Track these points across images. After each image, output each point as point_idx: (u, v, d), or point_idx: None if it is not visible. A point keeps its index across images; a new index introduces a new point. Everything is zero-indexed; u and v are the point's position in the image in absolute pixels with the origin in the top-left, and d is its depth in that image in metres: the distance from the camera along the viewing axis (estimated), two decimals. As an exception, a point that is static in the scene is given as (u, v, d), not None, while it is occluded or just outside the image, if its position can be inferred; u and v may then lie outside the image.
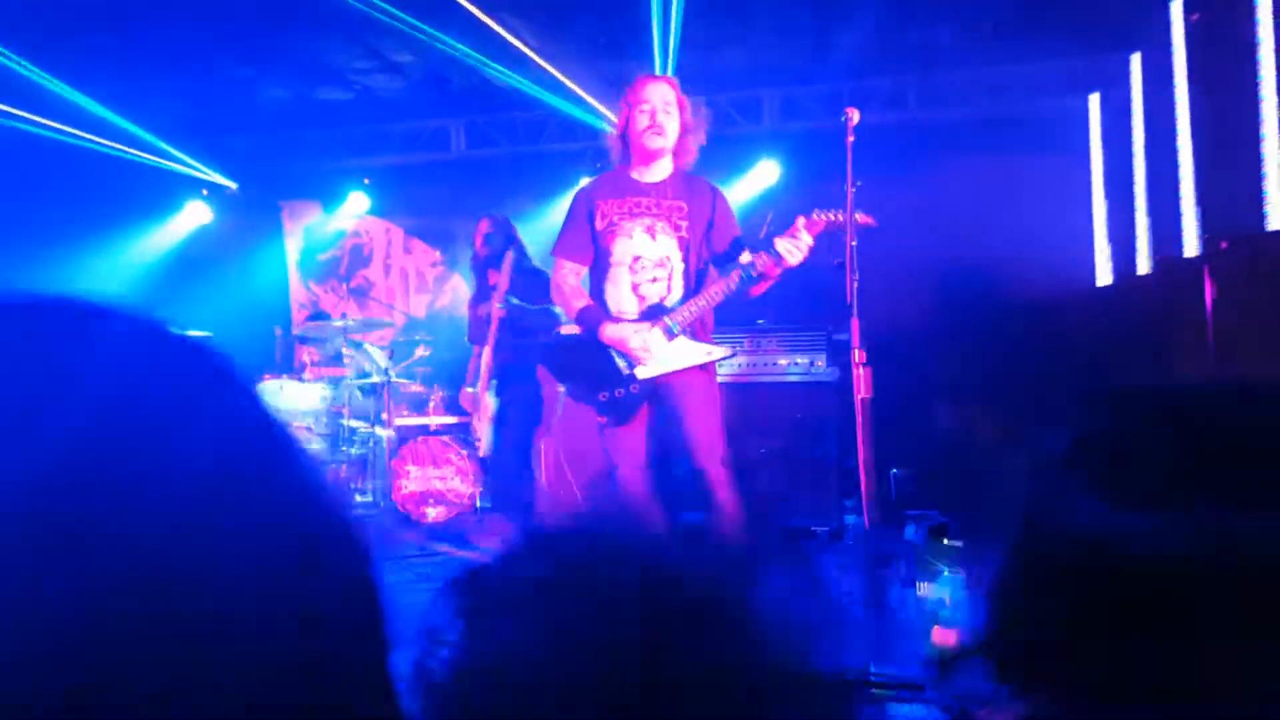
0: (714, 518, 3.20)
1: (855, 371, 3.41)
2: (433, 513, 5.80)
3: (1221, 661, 0.48)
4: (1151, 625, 0.50)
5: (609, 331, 3.32)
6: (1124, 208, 5.35)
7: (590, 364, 3.35)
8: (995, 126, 6.03)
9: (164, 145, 6.89)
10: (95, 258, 6.99)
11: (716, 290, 3.29)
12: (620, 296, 3.34)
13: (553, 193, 7.15)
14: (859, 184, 3.32)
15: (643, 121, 3.30)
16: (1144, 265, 5.15)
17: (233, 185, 7.39)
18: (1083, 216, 5.82)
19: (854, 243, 3.41)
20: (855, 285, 3.43)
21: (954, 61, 6.01)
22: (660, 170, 3.39)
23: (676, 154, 3.38)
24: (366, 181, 7.28)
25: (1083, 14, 5.29)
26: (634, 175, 3.40)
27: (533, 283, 4.74)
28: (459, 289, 7.54)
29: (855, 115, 3.34)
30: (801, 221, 3.28)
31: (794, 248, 3.22)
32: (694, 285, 3.36)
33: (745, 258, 3.28)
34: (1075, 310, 5.44)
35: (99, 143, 6.65)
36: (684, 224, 3.33)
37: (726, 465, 3.26)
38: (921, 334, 5.64)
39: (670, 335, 3.27)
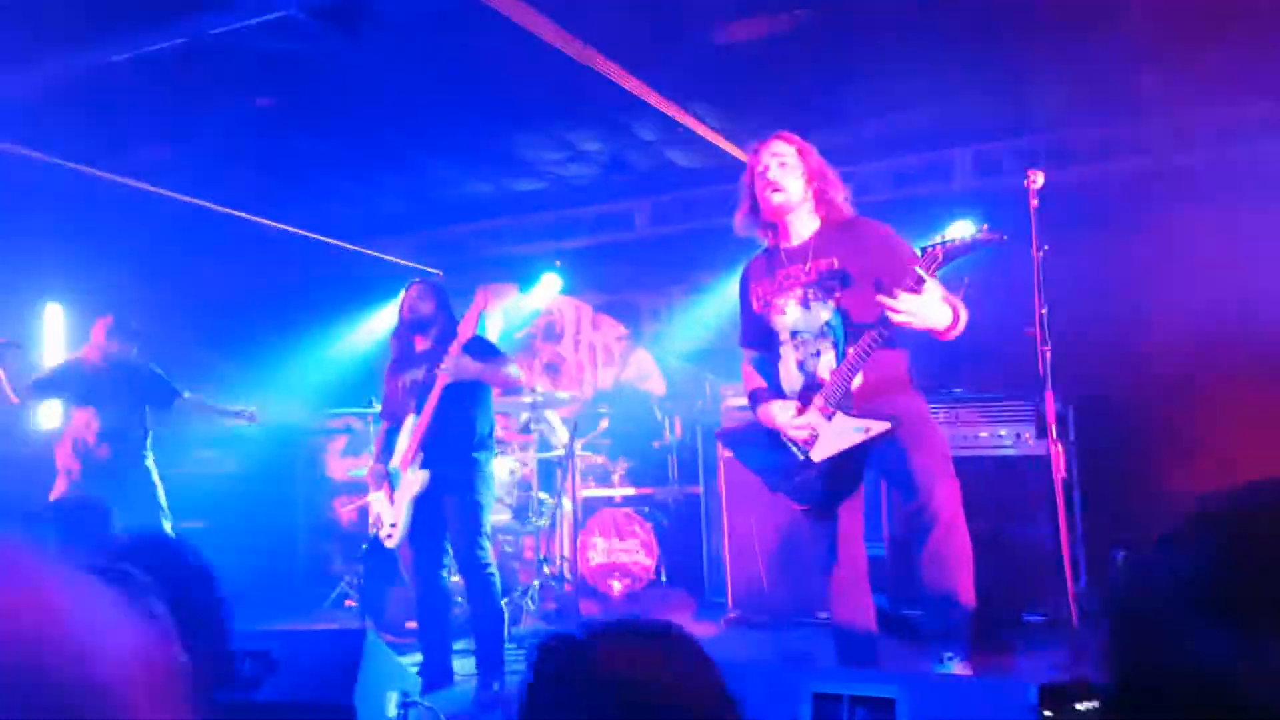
0: (937, 557, 2.93)
1: (1052, 449, 3.17)
2: (617, 585, 5.85)
3: None
4: None
5: (765, 416, 3.17)
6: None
7: (770, 451, 3.19)
8: (1216, 172, 5.49)
9: (381, 240, 7.55)
10: (326, 341, 7.70)
11: (852, 358, 2.96)
12: (789, 375, 3.19)
13: (732, 265, 7.20)
14: (1046, 248, 3.13)
15: (760, 185, 3.16)
16: None
17: (438, 273, 7.95)
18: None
19: (1044, 310, 3.21)
20: (1047, 355, 3.22)
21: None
22: (803, 230, 3.18)
23: (817, 207, 3.16)
24: (559, 264, 7.63)
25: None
26: (781, 244, 3.24)
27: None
28: (643, 362, 7.69)
29: (1039, 178, 3.17)
30: (917, 270, 2.79)
31: (904, 305, 2.76)
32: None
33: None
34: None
35: (327, 241, 7.39)
36: (836, 283, 3.05)
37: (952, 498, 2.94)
38: (1150, 402, 5.16)
39: (827, 413, 3.02)
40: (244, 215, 6.74)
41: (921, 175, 6.43)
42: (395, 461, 4.05)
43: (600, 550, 5.91)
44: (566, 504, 5.89)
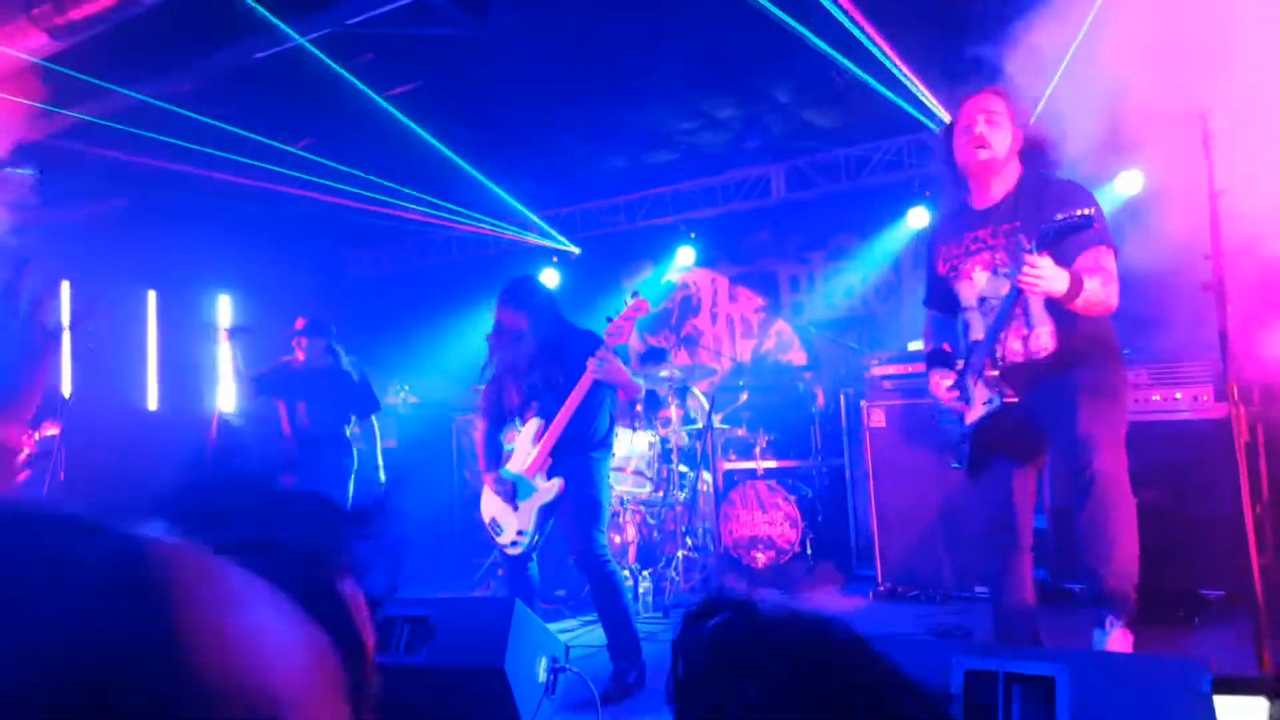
0: (1095, 521, 2.81)
1: (1233, 412, 2.89)
2: (761, 557, 5.80)
3: None
4: None
5: (930, 382, 3.20)
6: None
7: (945, 414, 3.22)
8: None
9: (531, 216, 7.72)
10: (470, 321, 7.96)
11: (991, 328, 2.96)
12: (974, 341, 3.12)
13: (877, 226, 6.96)
14: (1223, 191, 2.84)
15: (961, 140, 3.02)
16: None
17: (576, 250, 8.06)
18: None
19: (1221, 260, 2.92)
20: (1228, 310, 2.93)
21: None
22: (996, 191, 3.03)
23: (1018, 167, 3.02)
24: (692, 235, 7.58)
25: None
26: (971, 203, 3.11)
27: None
28: (783, 332, 7.56)
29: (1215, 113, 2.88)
30: (1020, 239, 2.75)
31: (1026, 274, 2.70)
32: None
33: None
34: None
35: (468, 224, 7.61)
36: (1029, 246, 2.85)
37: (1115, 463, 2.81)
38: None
39: (973, 381, 3.03)
40: (383, 209, 7.02)
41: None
42: (518, 466, 3.85)
43: (743, 522, 5.88)
44: (707, 476, 5.87)
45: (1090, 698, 1.91)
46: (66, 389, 6.52)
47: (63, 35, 4.03)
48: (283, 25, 4.18)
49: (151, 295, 7.53)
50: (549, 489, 3.76)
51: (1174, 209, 3.62)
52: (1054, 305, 2.87)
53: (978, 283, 3.05)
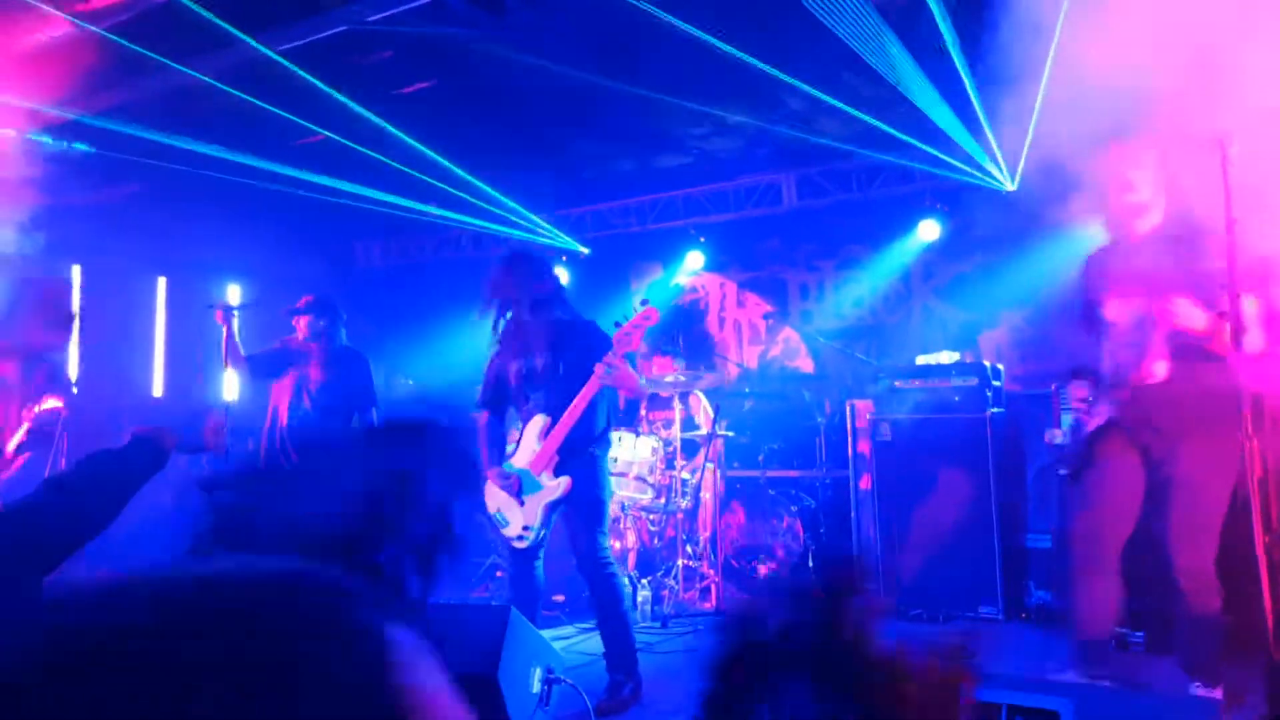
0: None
1: (1246, 445, 2.84)
2: (762, 567, 5.77)
3: None
4: None
5: (1069, 389, 3.48)
6: None
7: None
8: None
9: (534, 218, 7.69)
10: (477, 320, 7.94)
11: (1127, 351, 3.23)
12: (1114, 369, 3.30)
13: (888, 237, 6.92)
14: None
15: (1115, 185, 3.20)
16: None
17: (585, 250, 8.03)
18: None
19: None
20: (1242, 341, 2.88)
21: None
22: (1144, 228, 3.22)
23: (1163, 209, 3.20)
24: (701, 239, 7.55)
25: None
26: (1122, 242, 3.29)
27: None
28: (790, 339, 7.52)
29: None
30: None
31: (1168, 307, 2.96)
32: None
33: None
34: None
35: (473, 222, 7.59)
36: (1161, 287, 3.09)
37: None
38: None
39: (1104, 395, 3.27)
40: (394, 205, 7.00)
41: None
42: (523, 462, 3.80)
43: (745, 532, 5.84)
44: (709, 484, 5.84)
45: (1095, 737, 1.87)
46: (74, 371, 6.52)
47: (84, 23, 4.02)
48: (246, 34, 4.17)
49: (161, 281, 7.53)
50: (556, 487, 3.72)
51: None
52: (1181, 337, 3.02)
53: (1121, 317, 3.22)
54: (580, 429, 3.74)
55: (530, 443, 3.81)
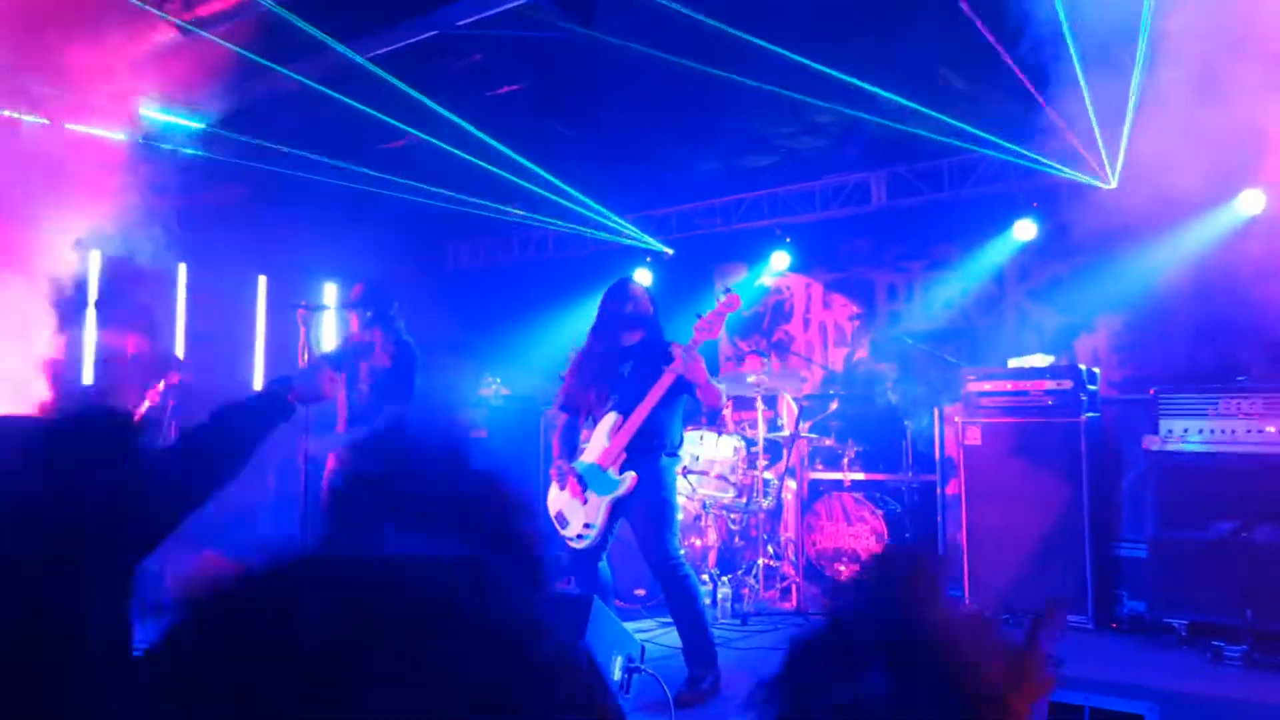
0: None
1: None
2: (844, 569, 5.70)
3: None
4: None
5: None
6: None
7: None
8: None
9: (618, 219, 7.77)
10: (563, 319, 8.06)
11: None
12: None
13: (981, 237, 6.75)
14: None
15: None
16: None
17: (669, 251, 8.07)
18: None
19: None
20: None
21: None
22: None
23: None
24: (787, 240, 7.50)
25: None
26: None
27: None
28: (877, 341, 7.40)
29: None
30: None
31: None
32: None
33: None
34: None
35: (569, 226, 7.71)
36: None
37: None
38: None
39: None
40: (481, 206, 7.16)
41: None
42: (592, 458, 3.84)
43: (827, 534, 5.79)
44: (791, 485, 5.80)
45: (1184, 742, 1.82)
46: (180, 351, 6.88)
47: (192, 28, 4.24)
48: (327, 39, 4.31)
49: (262, 280, 7.87)
50: (622, 482, 3.75)
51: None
52: None
53: None
54: (653, 430, 3.78)
55: (600, 439, 3.87)
